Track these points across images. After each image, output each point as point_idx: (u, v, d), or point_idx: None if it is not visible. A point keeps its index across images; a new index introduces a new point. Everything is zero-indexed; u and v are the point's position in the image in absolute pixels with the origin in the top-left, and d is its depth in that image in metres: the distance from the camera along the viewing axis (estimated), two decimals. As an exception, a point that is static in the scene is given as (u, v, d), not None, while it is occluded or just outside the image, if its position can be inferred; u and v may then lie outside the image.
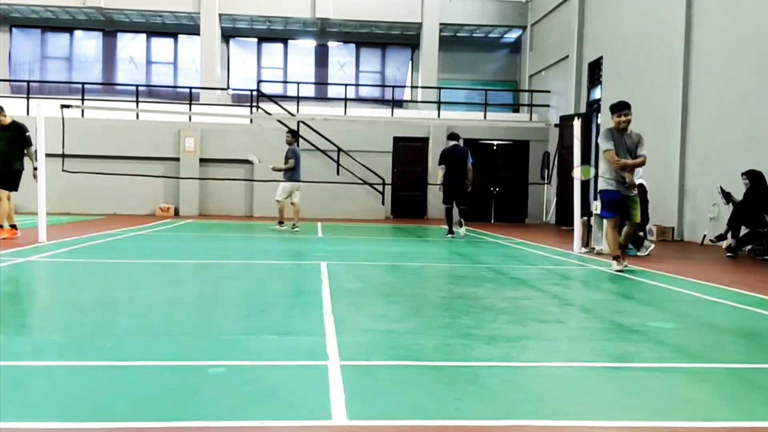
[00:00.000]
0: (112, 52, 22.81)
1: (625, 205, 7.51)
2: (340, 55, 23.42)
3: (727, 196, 10.53)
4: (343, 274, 6.85)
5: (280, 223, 13.14)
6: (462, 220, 12.46)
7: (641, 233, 9.92)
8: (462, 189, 12.00)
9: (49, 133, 9.64)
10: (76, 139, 15.45)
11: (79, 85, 20.32)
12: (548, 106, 20.63)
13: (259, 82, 21.23)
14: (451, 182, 11.84)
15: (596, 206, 9.07)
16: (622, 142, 7.46)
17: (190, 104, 19.92)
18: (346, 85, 21.16)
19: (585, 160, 15.26)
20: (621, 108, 7.50)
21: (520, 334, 4.08)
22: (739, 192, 10.28)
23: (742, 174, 10.04)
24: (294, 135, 13.12)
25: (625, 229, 7.67)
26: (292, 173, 12.63)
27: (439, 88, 21.18)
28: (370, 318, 4.52)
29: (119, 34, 22.77)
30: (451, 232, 12.09)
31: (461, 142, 12.58)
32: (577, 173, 9.48)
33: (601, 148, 7.49)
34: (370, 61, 23.61)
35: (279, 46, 23.23)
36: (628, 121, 7.47)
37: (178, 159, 18.69)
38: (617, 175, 7.46)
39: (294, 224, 12.95)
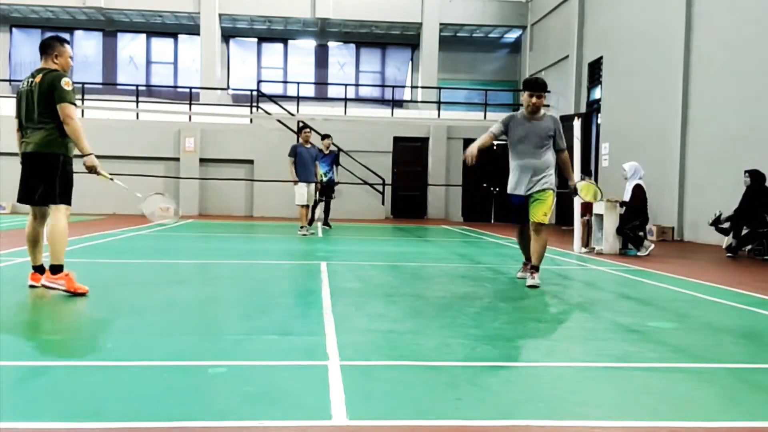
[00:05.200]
0: (112, 52, 22.81)
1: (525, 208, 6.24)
2: (340, 55, 23.42)
3: (719, 221, 10.42)
4: (343, 274, 6.85)
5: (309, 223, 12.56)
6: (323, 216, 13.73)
7: (641, 233, 9.92)
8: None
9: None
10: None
11: (79, 85, 20.30)
12: (548, 106, 20.62)
13: (259, 82, 21.24)
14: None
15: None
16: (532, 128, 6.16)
17: (190, 104, 19.93)
18: (346, 85, 21.16)
19: (585, 160, 15.28)
20: (535, 87, 6.11)
21: (520, 334, 4.08)
22: (735, 198, 10.28)
23: (745, 172, 10.04)
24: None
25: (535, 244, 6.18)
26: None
27: (439, 88, 21.18)
28: (370, 318, 4.52)
29: (119, 34, 22.78)
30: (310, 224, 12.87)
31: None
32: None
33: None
34: (370, 61, 23.61)
35: (279, 46, 23.23)
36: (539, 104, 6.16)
37: (178, 159, 18.70)
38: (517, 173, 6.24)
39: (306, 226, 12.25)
